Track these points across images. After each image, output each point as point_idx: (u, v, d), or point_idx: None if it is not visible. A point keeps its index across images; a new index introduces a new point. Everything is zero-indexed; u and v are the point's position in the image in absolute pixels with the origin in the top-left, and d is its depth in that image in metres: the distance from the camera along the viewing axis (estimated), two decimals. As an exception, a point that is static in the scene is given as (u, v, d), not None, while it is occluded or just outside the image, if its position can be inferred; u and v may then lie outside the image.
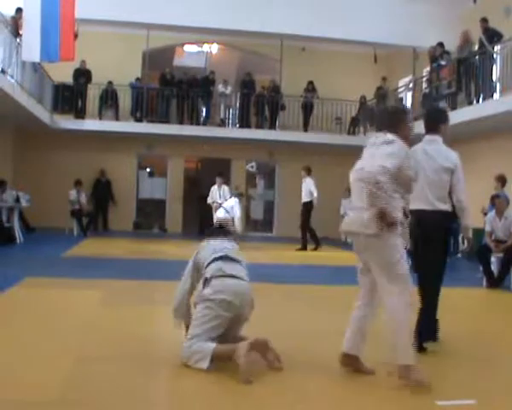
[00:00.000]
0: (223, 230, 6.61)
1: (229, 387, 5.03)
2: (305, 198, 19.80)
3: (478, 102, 18.13)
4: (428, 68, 21.65)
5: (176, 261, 15.42)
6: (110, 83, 24.72)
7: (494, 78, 18.18)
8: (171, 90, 25.23)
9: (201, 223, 23.45)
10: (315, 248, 20.07)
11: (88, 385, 5.07)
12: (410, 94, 24.49)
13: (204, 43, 28.14)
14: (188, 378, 5.33)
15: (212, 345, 5.41)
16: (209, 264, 5.85)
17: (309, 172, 20.03)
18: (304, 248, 19.89)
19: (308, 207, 19.74)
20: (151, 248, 18.80)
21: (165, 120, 25.05)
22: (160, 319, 8.00)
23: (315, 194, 19.55)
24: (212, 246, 6.10)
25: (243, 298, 5.67)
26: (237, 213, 18.95)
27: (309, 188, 19.68)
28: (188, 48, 29.08)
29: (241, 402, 4.75)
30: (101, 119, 24.83)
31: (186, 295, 6.08)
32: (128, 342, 6.54)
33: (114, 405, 4.66)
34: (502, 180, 14.66)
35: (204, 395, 4.96)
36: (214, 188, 20.41)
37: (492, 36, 17.85)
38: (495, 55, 18.06)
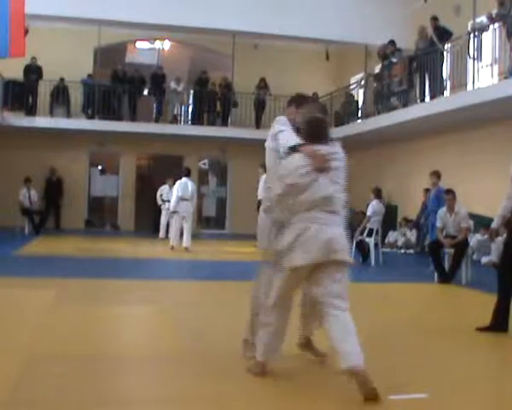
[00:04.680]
0: None
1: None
2: (260, 195, 19.80)
3: (431, 98, 18.28)
4: (380, 66, 21.80)
5: (128, 259, 15.50)
6: (61, 79, 24.43)
7: (444, 75, 18.36)
8: (123, 87, 25.06)
9: (154, 220, 23.32)
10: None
11: (38, 385, 5.00)
12: (361, 91, 24.65)
13: (156, 39, 28.01)
14: (139, 375, 5.32)
15: None
16: None
17: (265, 169, 19.99)
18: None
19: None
20: (103, 247, 18.66)
21: (117, 117, 24.86)
22: (112, 317, 7.97)
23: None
24: None
25: None
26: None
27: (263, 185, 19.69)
28: (140, 45, 28.91)
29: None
30: (52, 116, 24.54)
31: None
32: (80, 342, 6.48)
33: (64, 404, 4.60)
34: (437, 175, 14.84)
35: (162, 392, 4.94)
36: (165, 188, 20.22)
37: (443, 34, 18.03)
38: (445, 53, 18.25)
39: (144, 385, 5.12)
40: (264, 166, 20.16)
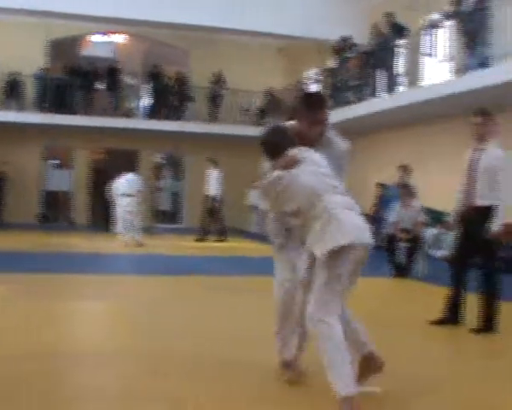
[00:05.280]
0: None
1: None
2: (212, 191, 19.78)
3: (386, 94, 18.39)
4: (335, 61, 21.88)
5: (82, 254, 15.38)
6: (14, 73, 24.12)
7: (399, 71, 18.51)
8: (78, 80, 24.81)
9: (108, 215, 23.11)
10: (219, 240, 20.07)
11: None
12: (315, 86, 24.72)
13: (111, 33, 27.80)
14: (95, 372, 5.28)
15: None
16: None
17: (215, 164, 20.02)
18: (204, 238, 19.94)
19: (215, 199, 19.73)
20: (57, 241, 18.49)
21: (71, 111, 24.62)
22: (67, 313, 7.90)
23: (220, 188, 19.58)
24: None
25: None
26: None
27: (216, 180, 19.68)
28: (95, 38, 28.67)
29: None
30: (4, 110, 24.20)
31: None
32: (32, 339, 6.40)
33: (11, 399, 4.53)
34: (406, 170, 14.89)
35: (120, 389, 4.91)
36: (117, 182, 19.97)
37: (397, 30, 18.17)
38: (400, 49, 18.39)
39: (101, 382, 5.07)
40: (213, 161, 20.22)
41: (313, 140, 4.96)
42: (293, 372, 5.05)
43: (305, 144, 4.84)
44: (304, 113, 5.04)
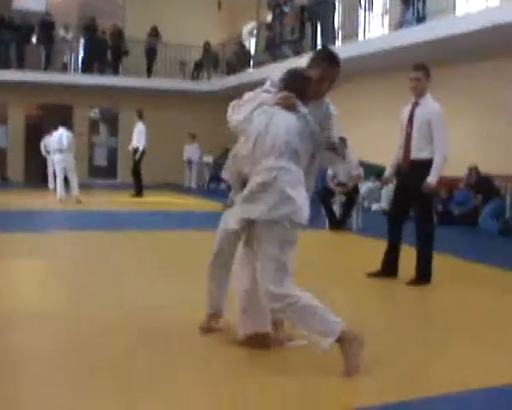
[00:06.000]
0: None
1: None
2: (136, 144, 19.56)
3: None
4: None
5: (17, 211, 15.15)
6: None
7: (336, 25, 18.52)
8: (10, 34, 24.24)
9: (43, 171, 22.78)
10: (136, 195, 19.89)
11: None
12: (253, 40, 24.66)
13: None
14: (28, 332, 5.23)
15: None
16: None
17: (140, 116, 19.77)
18: (139, 193, 19.76)
19: (140, 152, 19.49)
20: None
21: (3, 65, 24.09)
22: (6, 272, 7.80)
23: (143, 141, 19.33)
24: None
25: None
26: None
27: (139, 133, 19.46)
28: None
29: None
30: None
31: None
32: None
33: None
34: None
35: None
36: (49, 138, 19.61)
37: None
38: (337, 3, 18.38)
39: (34, 342, 5.02)
40: (139, 113, 19.88)
41: (317, 93, 4.98)
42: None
43: (307, 95, 4.83)
44: (321, 65, 5.01)
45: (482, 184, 14.11)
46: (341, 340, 4.32)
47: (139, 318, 5.67)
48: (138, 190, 19.87)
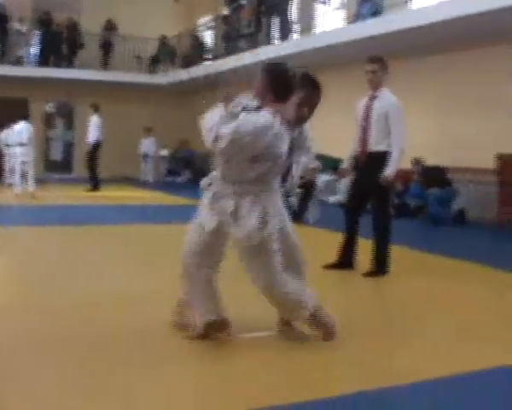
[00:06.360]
0: None
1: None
2: (91, 137, 19.47)
3: (285, 39, 18.38)
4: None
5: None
6: None
7: (293, 18, 18.56)
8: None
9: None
10: (92, 190, 19.73)
11: None
12: (209, 33, 24.64)
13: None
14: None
15: None
16: None
17: (96, 109, 19.70)
18: (96, 187, 19.64)
19: (95, 146, 19.40)
20: None
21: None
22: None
23: (97, 134, 19.25)
24: None
25: None
26: None
27: (94, 126, 19.38)
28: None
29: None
30: None
31: None
32: None
33: None
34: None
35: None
36: (8, 132, 19.39)
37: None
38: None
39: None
40: (94, 106, 19.77)
41: (299, 119, 5.12)
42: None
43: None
44: (302, 91, 5.02)
45: (433, 176, 14.24)
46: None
47: (101, 310, 5.67)
48: (95, 184, 19.71)
